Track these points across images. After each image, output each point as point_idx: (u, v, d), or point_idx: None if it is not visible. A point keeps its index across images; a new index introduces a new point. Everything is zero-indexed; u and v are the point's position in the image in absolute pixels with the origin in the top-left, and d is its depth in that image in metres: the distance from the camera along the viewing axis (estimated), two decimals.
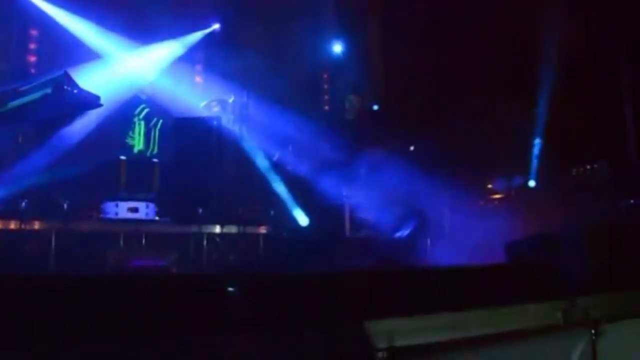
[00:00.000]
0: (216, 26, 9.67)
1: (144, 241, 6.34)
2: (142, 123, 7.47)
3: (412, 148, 8.76)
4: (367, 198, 7.51)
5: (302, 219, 6.90)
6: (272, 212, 7.02)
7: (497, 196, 9.38)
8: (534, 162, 9.22)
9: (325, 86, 10.35)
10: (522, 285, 3.54)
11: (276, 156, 7.40)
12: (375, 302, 3.10)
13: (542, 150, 9.15)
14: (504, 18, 9.22)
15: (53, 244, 5.93)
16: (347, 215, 7.35)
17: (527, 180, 9.12)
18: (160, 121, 7.49)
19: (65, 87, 6.29)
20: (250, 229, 6.68)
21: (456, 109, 9.42)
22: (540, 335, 3.10)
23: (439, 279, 3.55)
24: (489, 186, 9.76)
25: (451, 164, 8.70)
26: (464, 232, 7.80)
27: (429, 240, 7.53)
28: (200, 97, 8.27)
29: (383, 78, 10.51)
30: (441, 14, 9.55)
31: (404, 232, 6.99)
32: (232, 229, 6.62)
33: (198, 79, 9.51)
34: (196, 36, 9.44)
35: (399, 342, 2.76)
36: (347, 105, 9.17)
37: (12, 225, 5.89)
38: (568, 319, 3.20)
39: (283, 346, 2.63)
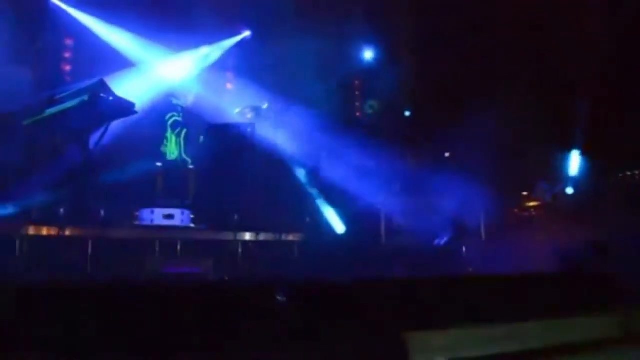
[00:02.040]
0: (247, 33, 9.70)
1: (179, 248, 6.32)
2: (171, 132, 7.49)
3: (447, 155, 8.66)
4: (403, 205, 7.42)
5: (338, 226, 6.82)
6: (307, 219, 6.95)
7: (534, 204, 9.20)
8: (574, 169, 9.04)
9: (357, 92, 10.28)
10: (578, 295, 3.41)
11: (311, 163, 7.35)
12: (421, 311, 3.00)
13: (583, 156, 8.96)
14: (540, 23, 9.08)
15: (90, 250, 5.93)
16: (382, 222, 7.28)
17: (566, 187, 8.93)
18: (185, 130, 7.49)
19: (101, 94, 6.33)
20: (285, 236, 6.61)
21: (491, 116, 9.28)
22: (600, 348, 2.97)
23: (490, 288, 3.44)
24: (525, 193, 9.59)
25: (487, 170, 8.56)
26: (501, 240, 7.67)
27: (464, 248, 7.40)
28: (232, 104, 8.26)
29: (415, 84, 10.40)
30: (472, 20, 9.44)
31: (441, 240, 6.87)
32: (267, 236, 6.56)
33: (229, 85, 9.53)
34: (228, 43, 9.47)
35: (450, 355, 2.66)
36: (370, 110, 9.11)
37: (51, 231, 5.91)
38: (630, 331, 3.07)
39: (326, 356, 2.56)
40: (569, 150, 9.21)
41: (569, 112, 9.06)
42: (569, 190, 8.95)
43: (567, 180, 9.05)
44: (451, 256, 7.09)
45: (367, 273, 6.28)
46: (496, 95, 9.25)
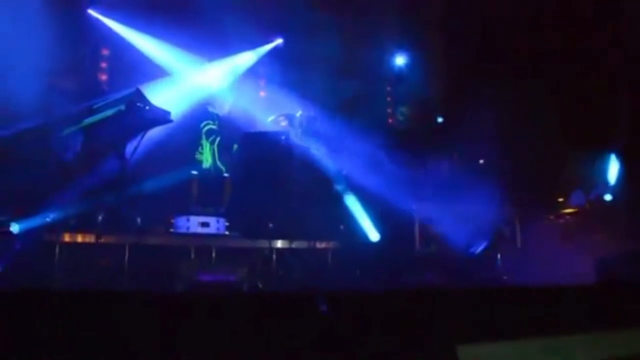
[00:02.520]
0: (279, 41, 9.76)
1: (214, 256, 6.36)
2: (205, 140, 7.56)
3: (481, 162, 8.57)
4: (437, 212, 7.36)
5: (373, 234, 6.79)
6: (341, 227, 6.94)
7: (570, 210, 9.03)
8: (612, 174, 8.85)
9: (389, 98, 10.25)
10: (619, 307, 3.33)
11: (344, 170, 7.34)
12: (466, 323, 2.95)
13: (622, 161, 8.77)
14: (575, 21, 8.95)
15: (126, 257, 6.01)
16: (416, 229, 7.23)
17: (604, 193, 8.74)
18: (218, 139, 7.54)
19: (138, 104, 6.42)
20: (319, 244, 6.60)
21: (526, 120, 9.17)
22: None
23: (529, 299, 3.37)
24: (560, 200, 9.43)
25: (522, 176, 8.46)
26: (537, 248, 7.55)
27: (499, 256, 7.30)
28: (265, 111, 8.31)
29: (447, 89, 10.33)
30: (505, 22, 9.34)
31: (477, 249, 6.79)
32: (301, 244, 6.56)
33: (262, 93, 9.60)
34: (260, 51, 9.55)
35: None
36: (401, 117, 9.06)
37: (88, 238, 6.01)
38: None
39: None
40: (607, 154, 9.02)
41: (608, 113, 8.90)
42: (607, 197, 8.76)
43: (605, 185, 8.86)
44: (486, 265, 7.00)
45: (401, 281, 6.25)
46: (531, 99, 9.14)
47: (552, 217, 9.03)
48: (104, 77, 8.49)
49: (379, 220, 6.97)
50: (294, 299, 2.94)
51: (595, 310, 3.25)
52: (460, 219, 7.29)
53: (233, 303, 2.79)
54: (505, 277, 7.00)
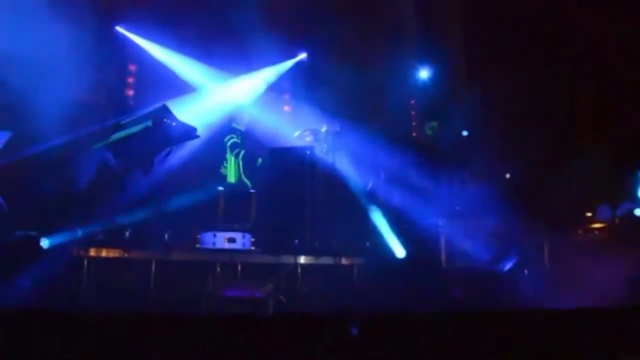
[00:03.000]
0: (303, 55, 9.78)
1: (240, 271, 6.36)
2: (230, 153, 7.60)
3: (507, 176, 8.47)
4: (463, 228, 7.28)
5: (398, 250, 6.74)
6: (367, 243, 6.90)
7: (598, 225, 8.85)
8: None
9: (413, 112, 10.20)
10: None
11: (370, 185, 7.31)
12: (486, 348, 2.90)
13: None
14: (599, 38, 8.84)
15: (153, 272, 6.05)
16: (442, 245, 7.15)
17: (634, 208, 8.55)
18: (243, 152, 7.58)
19: (165, 119, 6.49)
20: (344, 260, 6.57)
21: (550, 135, 9.06)
22: None
23: (561, 322, 3.32)
24: (589, 214, 9.26)
25: (549, 192, 8.34)
26: (565, 264, 7.41)
27: (526, 273, 7.17)
28: (290, 126, 8.32)
29: (471, 103, 10.25)
30: (529, 35, 9.27)
31: (504, 266, 6.69)
32: (327, 260, 6.53)
33: (287, 108, 9.62)
34: (284, 66, 9.57)
35: None
36: (430, 132, 8.99)
37: (117, 253, 6.06)
38: None
39: None
40: (637, 168, 8.85)
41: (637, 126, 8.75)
42: (638, 212, 8.58)
43: (635, 200, 8.69)
44: (513, 282, 6.88)
45: (426, 298, 6.17)
46: (559, 113, 9.04)
47: (580, 232, 8.87)
48: (130, 93, 8.59)
49: (405, 236, 6.91)
50: (324, 321, 2.91)
51: (625, 333, 3.18)
52: (487, 235, 7.20)
53: (263, 325, 2.78)
54: (532, 295, 6.89)
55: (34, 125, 6.29)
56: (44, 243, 5.56)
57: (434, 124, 9.25)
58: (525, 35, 9.22)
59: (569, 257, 7.49)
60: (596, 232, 8.77)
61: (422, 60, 10.17)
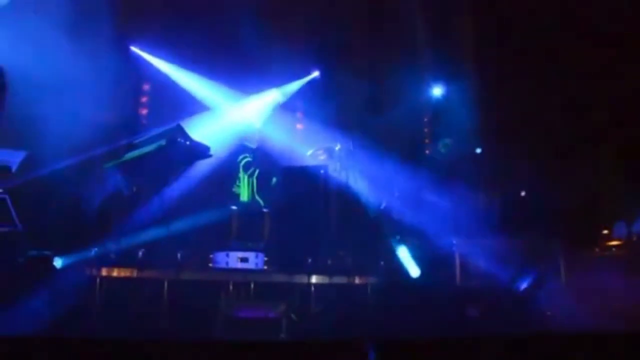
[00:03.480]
0: (316, 74, 9.80)
1: (252, 291, 6.31)
2: (243, 172, 7.60)
3: (522, 194, 8.38)
4: (478, 247, 7.20)
5: (413, 269, 6.67)
6: (381, 262, 6.84)
7: (615, 243, 8.72)
8: None
9: (426, 129, 10.16)
10: None
11: (383, 203, 7.26)
12: None
13: None
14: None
15: (165, 291, 6.02)
16: (457, 264, 7.06)
17: None
18: (257, 171, 7.57)
19: (179, 139, 6.49)
20: (358, 279, 6.50)
21: (565, 151, 8.97)
22: None
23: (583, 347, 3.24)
24: (605, 232, 9.13)
25: (564, 209, 8.23)
26: (583, 283, 7.30)
27: (542, 290, 7.06)
28: (303, 145, 8.31)
29: (485, 120, 10.20)
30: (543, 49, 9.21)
31: (521, 284, 6.58)
32: (341, 279, 6.47)
33: (299, 126, 9.62)
34: (297, 84, 9.60)
35: None
36: (443, 149, 8.92)
37: (129, 273, 6.04)
38: None
39: None
40: None
41: None
42: None
43: None
44: (530, 301, 6.78)
45: (441, 318, 6.08)
46: (571, 129, 8.95)
47: (597, 250, 8.74)
48: (144, 112, 8.64)
49: (419, 255, 6.84)
50: (340, 346, 2.86)
51: None
52: (503, 254, 7.11)
53: (278, 352, 2.73)
54: (549, 314, 6.77)
55: (49, 145, 6.32)
56: (58, 262, 5.56)
57: (448, 141, 9.19)
58: (541, 52, 9.17)
59: (586, 275, 7.39)
60: (613, 249, 8.65)
61: (436, 77, 10.15)
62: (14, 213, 5.55)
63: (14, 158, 5.64)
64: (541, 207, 7.98)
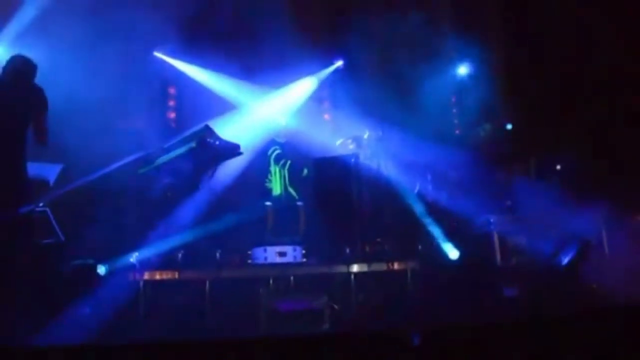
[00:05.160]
0: (339, 63, 9.76)
1: (293, 284, 6.36)
2: (274, 165, 7.63)
3: (558, 167, 8.23)
4: (516, 223, 7.11)
5: (452, 252, 6.62)
6: (419, 247, 6.81)
7: None
8: None
9: (454, 110, 10.03)
10: None
11: (417, 187, 7.22)
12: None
13: None
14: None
15: (207, 291, 6.10)
16: (496, 242, 6.97)
17: None
18: (289, 162, 7.60)
19: (208, 139, 6.57)
20: (397, 265, 6.48)
21: (596, 121, 8.75)
22: None
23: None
24: None
25: (603, 178, 8.06)
26: (627, 253, 7.15)
27: (585, 263, 6.94)
28: (332, 135, 8.30)
29: (514, 94, 10.02)
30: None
31: (564, 258, 6.48)
32: (379, 266, 6.46)
33: (327, 116, 9.61)
34: (322, 74, 9.57)
35: None
36: (483, 133, 8.79)
37: (170, 275, 6.14)
38: None
39: None
40: None
41: None
42: None
43: None
44: (574, 276, 6.66)
45: (482, 299, 6.04)
46: (603, 94, 8.74)
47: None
48: (172, 115, 8.74)
49: (457, 236, 6.79)
50: (385, 335, 2.85)
51: None
52: (542, 229, 7.01)
53: (322, 344, 2.74)
54: (594, 286, 6.66)
55: (83, 156, 6.45)
56: (101, 270, 5.68)
57: (488, 125, 9.07)
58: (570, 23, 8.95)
59: (630, 245, 7.24)
60: None
61: (461, 56, 10.01)
62: (55, 225, 5.68)
63: (51, 172, 5.77)
64: (579, 179, 7.84)
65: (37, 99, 4.91)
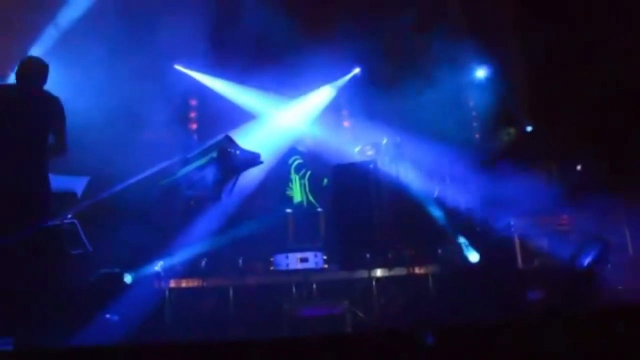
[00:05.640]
0: (357, 70, 9.83)
1: (315, 290, 6.43)
2: (295, 174, 7.73)
3: (578, 167, 8.18)
4: (537, 225, 7.09)
5: (472, 256, 6.64)
6: (439, 251, 6.84)
7: None
8: None
9: (473, 113, 10.02)
10: None
11: (436, 192, 7.25)
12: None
13: None
14: None
15: (231, 297, 6.21)
16: (517, 246, 6.97)
17: None
18: (309, 172, 7.69)
19: (229, 149, 6.69)
20: (418, 270, 6.52)
21: (617, 121, 8.68)
22: None
23: None
24: None
25: (623, 178, 7.99)
26: None
27: (609, 266, 6.88)
28: (351, 142, 8.37)
29: (534, 96, 9.97)
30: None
31: (585, 260, 6.44)
32: (400, 271, 6.51)
33: (346, 123, 9.68)
34: (340, 82, 9.65)
35: None
36: (507, 137, 8.76)
37: (195, 283, 6.27)
38: None
39: None
40: None
41: None
42: None
43: None
44: (596, 277, 6.62)
45: (504, 302, 6.03)
46: (624, 96, 8.67)
47: None
48: (193, 127, 8.89)
49: (477, 240, 6.80)
50: (398, 333, 2.91)
51: None
52: (563, 230, 6.98)
53: (338, 343, 2.81)
54: (620, 288, 6.60)
55: (108, 168, 6.61)
56: (127, 279, 5.82)
57: (512, 129, 9.06)
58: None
59: None
60: None
61: (479, 60, 10.01)
62: (83, 236, 5.84)
63: (79, 184, 5.91)
64: (601, 179, 7.79)
65: (53, 108, 4.78)
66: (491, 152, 8.41)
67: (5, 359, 3.15)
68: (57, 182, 5.23)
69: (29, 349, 3.21)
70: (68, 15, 7.15)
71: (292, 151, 7.95)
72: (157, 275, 6.08)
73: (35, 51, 6.90)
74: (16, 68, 4.84)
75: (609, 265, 6.77)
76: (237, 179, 6.87)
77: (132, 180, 6.84)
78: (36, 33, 6.99)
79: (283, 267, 6.61)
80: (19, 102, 4.72)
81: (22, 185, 4.54)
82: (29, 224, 4.41)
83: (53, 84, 4.97)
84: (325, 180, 7.63)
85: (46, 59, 4.96)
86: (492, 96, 9.68)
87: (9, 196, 4.46)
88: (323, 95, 9.43)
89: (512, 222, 7.05)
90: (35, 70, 4.85)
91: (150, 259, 6.15)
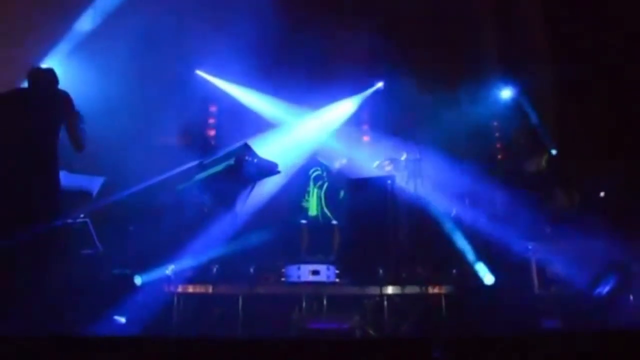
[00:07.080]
0: (380, 85, 9.79)
1: (325, 303, 6.34)
2: (313, 185, 7.68)
3: (602, 194, 8.02)
4: (556, 251, 6.94)
5: (487, 277, 6.50)
6: (454, 271, 6.71)
7: None
8: None
9: (497, 134, 9.90)
10: None
11: (454, 211, 7.14)
12: None
13: None
14: None
15: (240, 306, 6.14)
16: (534, 270, 6.82)
17: None
18: (326, 184, 7.64)
19: (247, 157, 6.68)
20: (431, 289, 6.40)
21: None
22: None
23: None
24: None
25: None
26: None
27: (631, 297, 6.69)
28: (371, 157, 8.31)
29: (558, 120, 9.83)
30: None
31: (604, 288, 6.27)
32: (413, 289, 6.39)
33: (366, 138, 9.62)
34: (362, 96, 9.62)
35: None
36: (545, 164, 8.55)
37: (204, 289, 6.23)
38: None
39: None
40: None
41: None
42: None
43: None
44: (615, 306, 6.44)
45: (518, 327, 5.89)
46: None
47: None
48: (212, 133, 8.92)
49: (493, 262, 6.66)
50: (407, 344, 2.83)
51: None
52: (583, 257, 6.82)
53: (345, 350, 2.74)
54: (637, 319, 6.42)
55: (125, 170, 6.64)
56: (138, 280, 5.80)
57: (547, 155, 8.91)
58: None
59: None
60: None
61: (504, 80, 9.91)
62: (95, 236, 5.85)
63: (94, 184, 5.94)
64: (623, 206, 7.62)
65: (61, 104, 4.75)
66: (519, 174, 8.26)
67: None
68: (73, 180, 5.25)
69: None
70: (91, 19, 7.23)
71: (313, 162, 7.92)
72: (167, 279, 6.05)
73: (62, 50, 7.00)
74: (26, 80, 4.86)
75: (631, 296, 6.59)
76: (253, 187, 6.85)
77: (148, 183, 6.86)
78: (58, 37, 7.05)
79: (294, 279, 6.54)
80: (25, 103, 4.75)
81: (29, 185, 4.54)
82: (35, 223, 4.40)
83: (75, 86, 5.00)
84: (342, 193, 7.56)
85: (68, 62, 5.00)
86: (517, 117, 9.57)
87: (16, 196, 4.46)
88: (345, 108, 9.40)
89: (530, 246, 6.91)
90: (43, 79, 4.86)
91: (161, 262, 6.12)
